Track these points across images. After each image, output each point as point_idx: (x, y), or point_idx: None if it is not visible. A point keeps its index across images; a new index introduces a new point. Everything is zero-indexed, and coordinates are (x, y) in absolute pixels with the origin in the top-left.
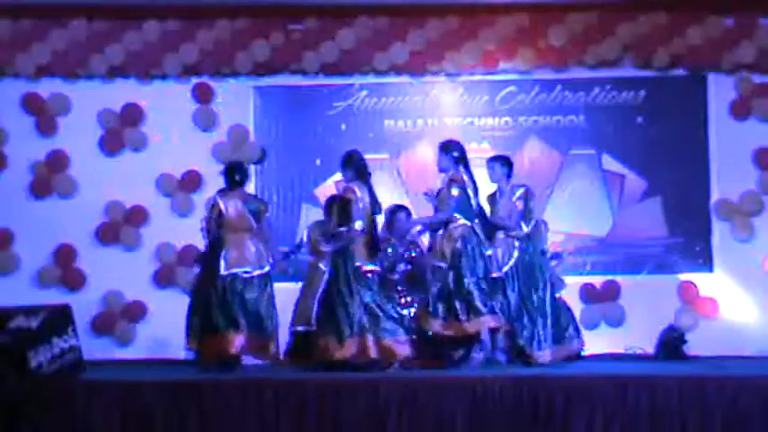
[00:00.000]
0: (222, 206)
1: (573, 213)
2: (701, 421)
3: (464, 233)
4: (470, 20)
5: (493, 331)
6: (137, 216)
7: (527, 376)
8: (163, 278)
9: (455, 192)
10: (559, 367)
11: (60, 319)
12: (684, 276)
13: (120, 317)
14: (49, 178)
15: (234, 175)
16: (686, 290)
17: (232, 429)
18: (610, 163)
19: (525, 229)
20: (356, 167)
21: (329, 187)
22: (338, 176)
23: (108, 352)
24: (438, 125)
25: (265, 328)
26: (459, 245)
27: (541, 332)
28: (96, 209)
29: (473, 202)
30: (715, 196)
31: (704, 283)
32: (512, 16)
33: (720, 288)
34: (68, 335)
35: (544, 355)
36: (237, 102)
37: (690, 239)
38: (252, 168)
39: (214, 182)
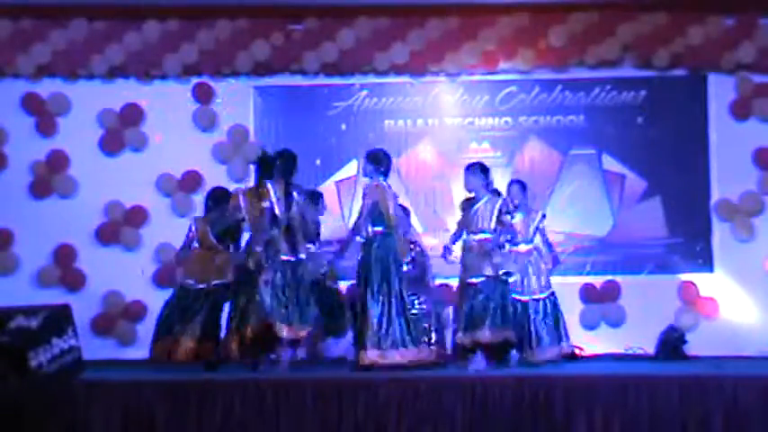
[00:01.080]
0: (193, 228)
1: (573, 213)
2: (701, 421)
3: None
4: (470, 20)
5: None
6: (137, 216)
7: (527, 376)
8: (163, 278)
9: (265, 204)
10: (559, 367)
11: (60, 319)
12: (684, 276)
13: (120, 317)
14: (49, 178)
15: (208, 201)
16: (686, 290)
17: (232, 429)
18: (610, 163)
19: (370, 230)
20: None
21: (330, 187)
22: (338, 176)
23: (108, 352)
24: (438, 125)
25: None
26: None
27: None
28: (96, 209)
29: (278, 212)
30: (715, 196)
31: (704, 283)
32: (512, 16)
33: (720, 288)
34: (68, 335)
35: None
36: (237, 102)
37: (690, 239)
38: (252, 168)
39: (214, 182)
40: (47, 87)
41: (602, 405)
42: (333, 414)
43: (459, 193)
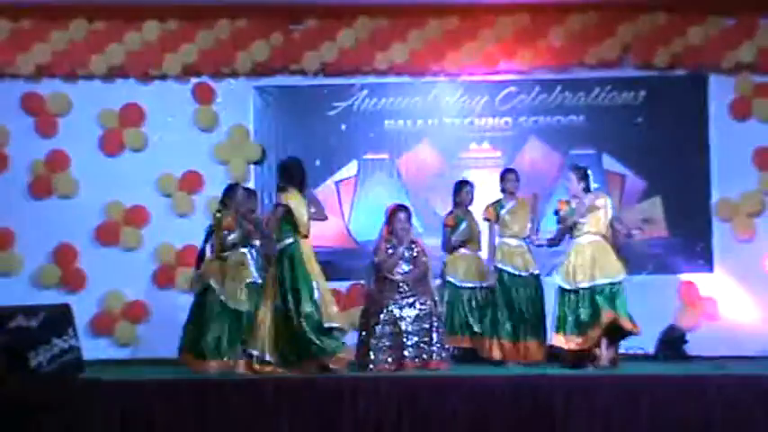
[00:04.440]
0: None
1: None
2: (701, 421)
3: None
4: (470, 20)
5: None
6: (137, 216)
7: (527, 376)
8: (163, 278)
9: None
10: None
11: (60, 319)
12: (684, 276)
13: (120, 317)
14: (49, 178)
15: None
16: (686, 290)
17: (232, 429)
18: (610, 163)
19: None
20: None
21: (329, 187)
22: (338, 176)
23: (108, 352)
24: (438, 125)
25: None
26: None
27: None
28: (96, 209)
29: None
30: (715, 196)
31: (704, 283)
32: (512, 16)
33: (720, 288)
34: (68, 335)
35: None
36: (237, 102)
37: (690, 239)
38: (251, 168)
39: (214, 182)
40: (47, 87)
41: (602, 405)
42: (333, 414)
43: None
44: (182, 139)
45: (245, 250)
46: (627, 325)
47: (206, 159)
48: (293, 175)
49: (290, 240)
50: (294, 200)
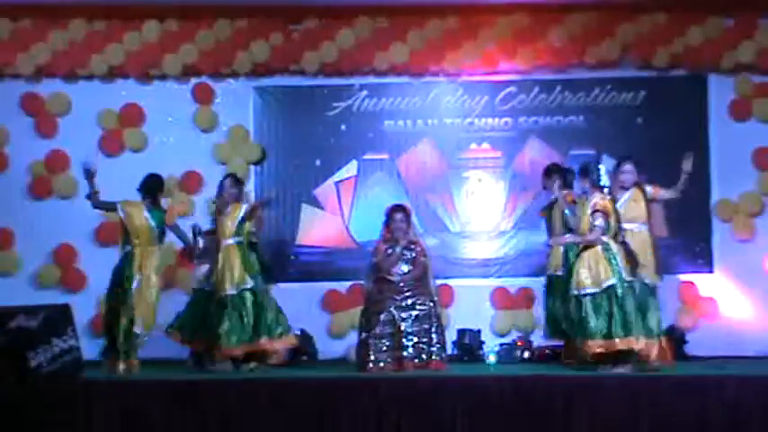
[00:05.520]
0: None
1: None
2: (701, 421)
3: None
4: (470, 20)
5: None
6: None
7: (527, 376)
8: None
9: None
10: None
11: (60, 319)
12: (684, 277)
13: None
14: (49, 178)
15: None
16: (686, 290)
17: (231, 429)
18: (610, 163)
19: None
20: None
21: (329, 187)
22: (338, 177)
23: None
24: (438, 125)
25: None
26: None
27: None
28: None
29: None
30: (715, 196)
31: (704, 283)
32: (512, 16)
33: (720, 288)
34: (68, 335)
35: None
36: (237, 102)
37: (690, 240)
38: (251, 168)
39: (214, 182)
40: (47, 87)
41: (602, 405)
42: (332, 414)
43: (459, 193)
44: (182, 139)
45: None
46: (628, 345)
47: (206, 159)
48: (146, 188)
49: (129, 248)
50: (133, 209)
